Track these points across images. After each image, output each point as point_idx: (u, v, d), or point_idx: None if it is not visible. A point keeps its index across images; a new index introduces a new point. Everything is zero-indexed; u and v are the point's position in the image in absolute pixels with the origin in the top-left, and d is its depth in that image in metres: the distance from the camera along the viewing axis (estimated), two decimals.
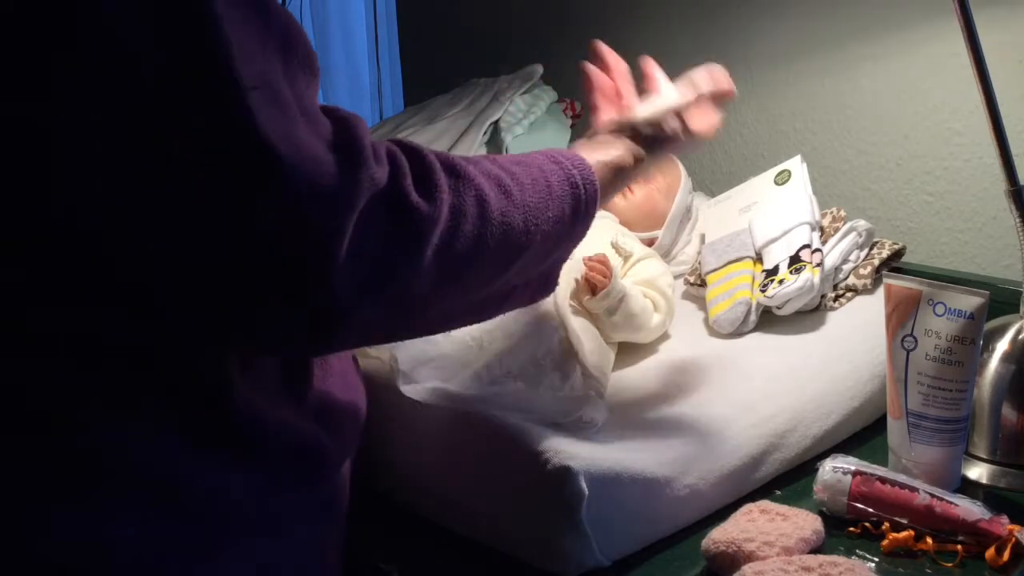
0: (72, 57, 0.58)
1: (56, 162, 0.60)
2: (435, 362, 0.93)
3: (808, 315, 1.14)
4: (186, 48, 0.59)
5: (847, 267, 1.18)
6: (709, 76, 0.96)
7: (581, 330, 1.06)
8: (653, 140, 0.92)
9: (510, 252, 0.76)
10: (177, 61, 0.59)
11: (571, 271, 1.11)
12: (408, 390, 0.91)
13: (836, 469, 0.90)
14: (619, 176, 0.89)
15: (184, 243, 0.61)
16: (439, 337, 0.94)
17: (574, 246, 0.85)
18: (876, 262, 1.19)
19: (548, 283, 0.85)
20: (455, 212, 0.71)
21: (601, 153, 0.89)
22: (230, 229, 0.61)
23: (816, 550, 0.85)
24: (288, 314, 0.64)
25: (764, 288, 1.13)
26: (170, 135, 0.59)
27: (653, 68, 1.01)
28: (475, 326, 0.98)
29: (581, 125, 1.62)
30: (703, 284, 1.22)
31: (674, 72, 1.62)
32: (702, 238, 1.30)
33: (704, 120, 0.95)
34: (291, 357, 0.75)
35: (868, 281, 1.18)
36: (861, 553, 0.85)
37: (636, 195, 1.29)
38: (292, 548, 0.76)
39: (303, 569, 0.77)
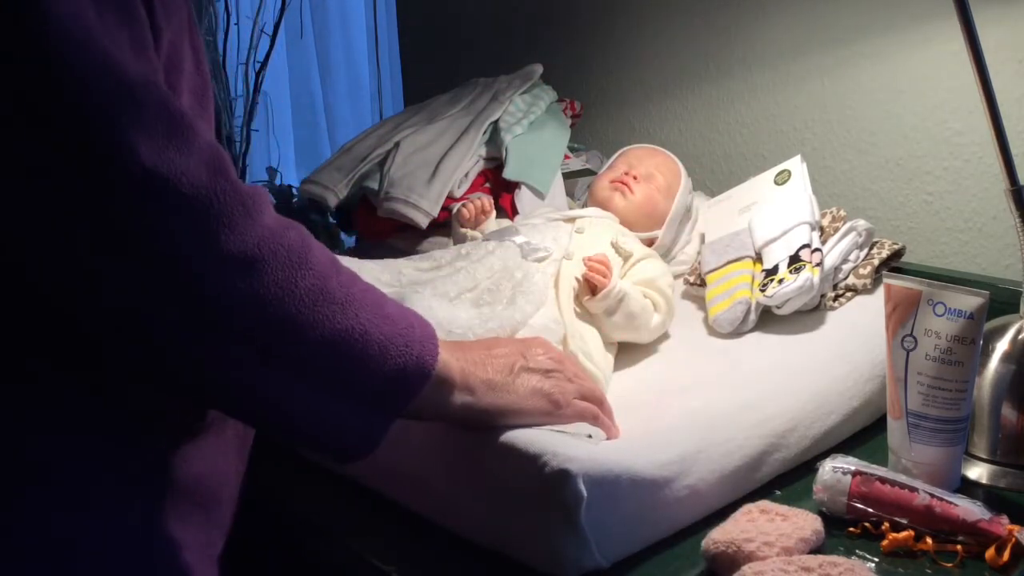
0: None
1: None
2: None
3: (808, 315, 1.14)
4: None
5: (847, 267, 1.18)
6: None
7: (582, 332, 1.06)
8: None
9: (317, 323, 0.70)
10: None
11: (572, 272, 1.11)
12: None
13: (836, 469, 0.90)
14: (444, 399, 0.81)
15: None
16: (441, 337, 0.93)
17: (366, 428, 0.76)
18: (876, 262, 1.19)
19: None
20: (277, 231, 0.69)
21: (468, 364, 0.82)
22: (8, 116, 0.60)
23: (816, 550, 0.85)
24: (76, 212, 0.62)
25: (764, 288, 1.13)
26: None
27: None
28: (479, 325, 0.99)
29: (581, 125, 1.62)
30: (703, 284, 1.22)
31: (677, 74, 1.62)
32: (702, 238, 1.30)
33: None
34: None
35: (868, 281, 1.18)
36: (861, 553, 0.85)
37: (636, 195, 1.29)
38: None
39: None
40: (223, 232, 0.66)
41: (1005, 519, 0.85)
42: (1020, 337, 0.98)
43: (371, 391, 0.75)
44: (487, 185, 1.42)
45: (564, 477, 0.80)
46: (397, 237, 1.40)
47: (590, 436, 0.89)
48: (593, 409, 0.90)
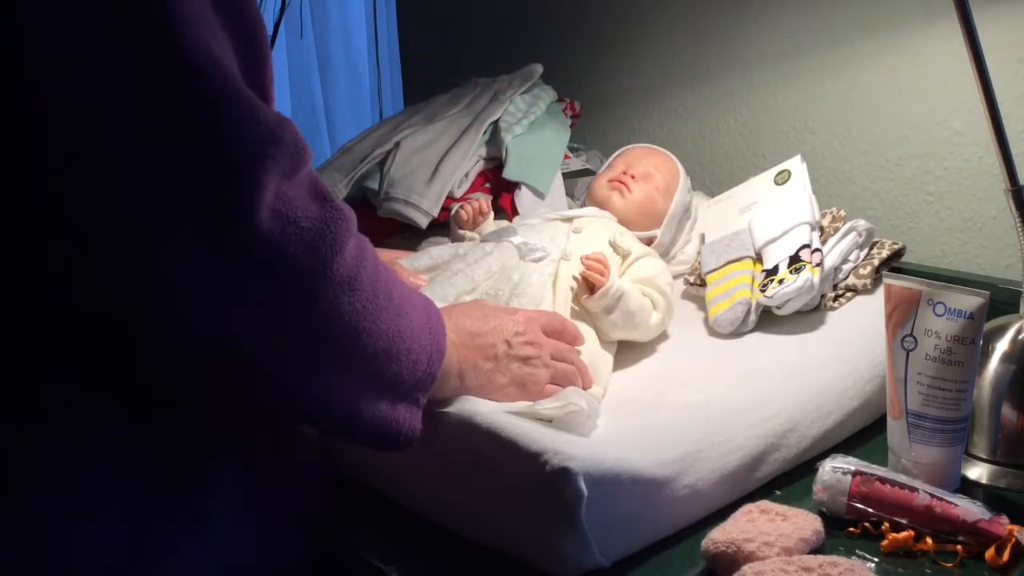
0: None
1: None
2: None
3: (808, 315, 1.14)
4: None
5: (847, 267, 1.18)
6: None
7: (580, 330, 1.06)
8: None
9: (391, 324, 0.75)
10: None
11: (570, 272, 1.11)
12: None
13: (836, 469, 0.90)
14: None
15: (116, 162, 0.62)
16: None
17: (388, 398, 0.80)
18: (876, 262, 1.19)
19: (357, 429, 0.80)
20: (361, 246, 0.72)
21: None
22: (156, 148, 0.62)
23: (816, 550, 0.85)
24: (207, 262, 0.64)
25: (764, 288, 1.13)
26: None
27: None
28: None
29: (581, 125, 1.62)
30: (703, 284, 1.22)
31: (677, 74, 1.62)
32: (702, 238, 1.30)
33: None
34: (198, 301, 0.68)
35: (868, 281, 1.18)
36: (861, 553, 0.85)
37: (634, 194, 1.29)
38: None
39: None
40: (333, 257, 0.69)
41: (1005, 519, 0.85)
42: (1020, 337, 0.98)
43: (411, 384, 0.81)
44: (487, 185, 1.42)
45: (565, 475, 0.80)
46: (397, 237, 1.40)
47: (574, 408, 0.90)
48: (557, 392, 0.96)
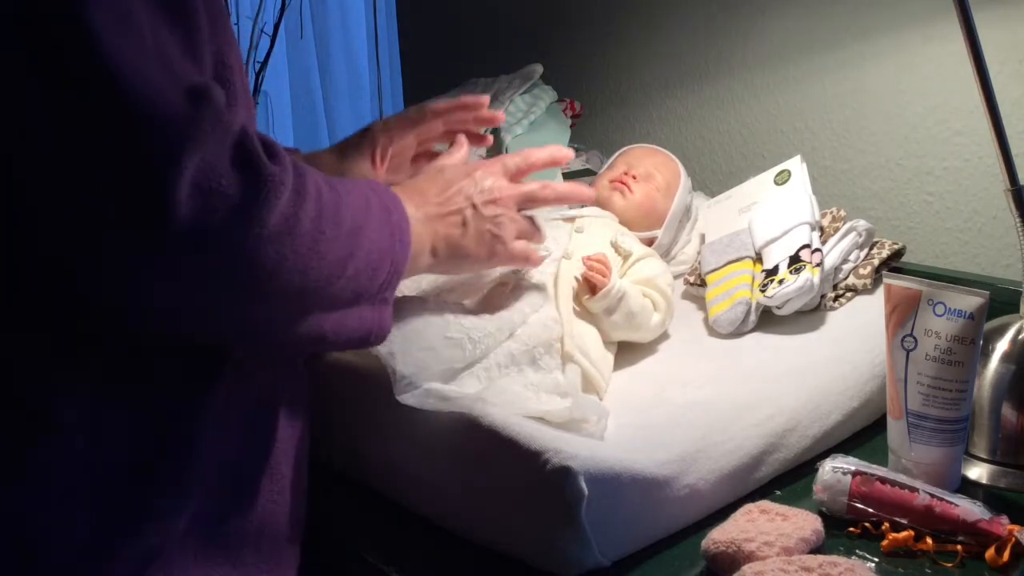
0: None
1: None
2: (434, 365, 0.92)
3: (808, 315, 1.14)
4: None
5: (847, 267, 1.18)
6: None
7: (581, 331, 1.06)
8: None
9: (342, 250, 0.76)
10: None
11: (572, 272, 1.11)
12: (405, 398, 0.90)
13: (836, 469, 0.90)
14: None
15: (23, 156, 0.63)
16: (438, 341, 0.93)
17: (380, 293, 0.82)
18: (876, 262, 1.19)
19: (365, 331, 0.82)
20: (299, 190, 0.72)
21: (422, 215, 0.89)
22: (64, 143, 0.63)
23: (816, 550, 0.85)
24: (129, 240, 0.65)
25: (764, 288, 1.13)
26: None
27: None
28: (476, 327, 0.99)
29: (581, 124, 1.62)
30: (703, 284, 1.22)
31: (677, 74, 1.62)
32: (702, 238, 1.30)
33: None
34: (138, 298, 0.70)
35: (868, 281, 1.18)
36: (861, 553, 0.85)
37: (635, 194, 1.29)
38: None
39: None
40: (268, 213, 0.69)
41: (1005, 519, 0.85)
42: (1020, 337, 0.98)
43: (375, 289, 0.81)
44: None
45: (565, 474, 0.80)
46: None
47: (581, 421, 0.89)
48: (526, 251, 0.99)
